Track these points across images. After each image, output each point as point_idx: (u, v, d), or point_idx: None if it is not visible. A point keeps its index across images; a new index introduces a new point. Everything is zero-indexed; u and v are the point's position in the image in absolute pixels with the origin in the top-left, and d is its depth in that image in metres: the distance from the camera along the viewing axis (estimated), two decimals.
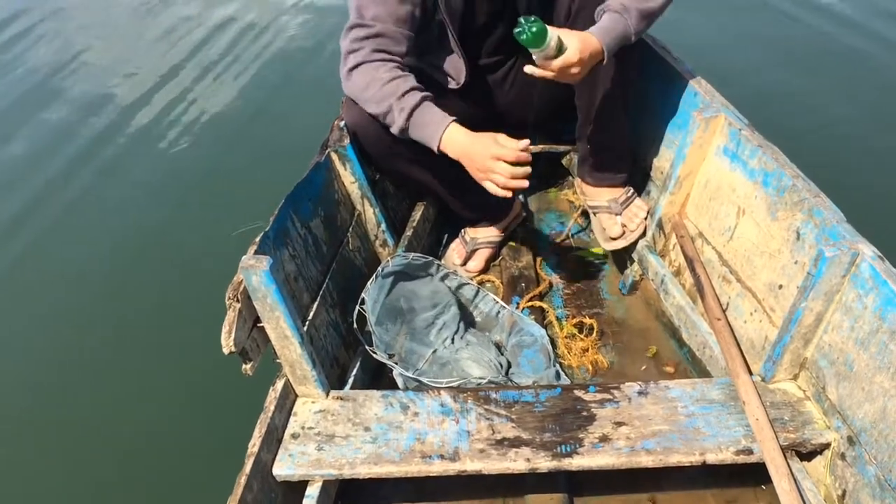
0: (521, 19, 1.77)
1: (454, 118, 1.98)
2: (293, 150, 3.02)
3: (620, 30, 1.95)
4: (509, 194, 1.93)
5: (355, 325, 2.09)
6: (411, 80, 2.03)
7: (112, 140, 4.39)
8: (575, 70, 1.86)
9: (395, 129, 2.03)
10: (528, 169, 1.91)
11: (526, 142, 1.90)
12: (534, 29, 1.76)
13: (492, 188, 1.93)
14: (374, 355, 2.02)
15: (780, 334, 1.78)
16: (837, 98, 4.15)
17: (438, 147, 1.98)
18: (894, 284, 1.53)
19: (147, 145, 4.33)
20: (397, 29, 2.03)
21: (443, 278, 2.27)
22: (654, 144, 2.46)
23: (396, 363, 2.03)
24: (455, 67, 2.24)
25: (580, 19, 2.06)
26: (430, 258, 2.25)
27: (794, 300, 1.73)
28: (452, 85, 2.26)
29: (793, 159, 1.91)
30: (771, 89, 4.20)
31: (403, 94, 1.99)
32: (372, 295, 2.07)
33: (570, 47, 1.83)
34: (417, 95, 2.00)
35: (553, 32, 1.80)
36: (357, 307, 2.08)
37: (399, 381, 2.01)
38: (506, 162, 1.88)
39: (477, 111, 2.30)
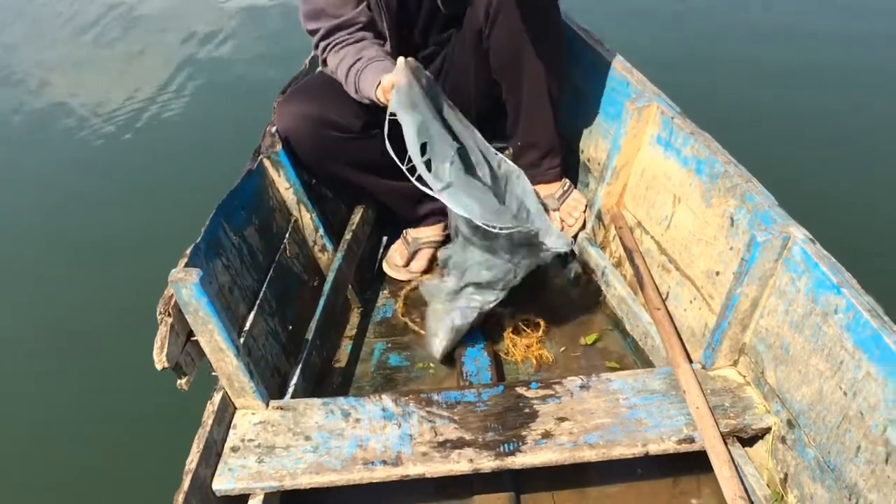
0: None
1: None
2: (224, 156, 2.99)
3: None
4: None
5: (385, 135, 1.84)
6: (351, 56, 2.08)
7: (38, 132, 4.39)
8: None
9: (361, 99, 2.10)
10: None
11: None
12: None
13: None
14: (406, 171, 1.82)
15: (717, 321, 1.79)
16: (771, 81, 4.19)
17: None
18: (825, 267, 1.54)
19: (71, 145, 4.32)
20: (341, 12, 2.08)
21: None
22: (589, 135, 2.46)
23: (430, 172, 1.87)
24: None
25: (497, 23, 2.09)
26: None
27: (730, 286, 1.74)
28: None
29: (724, 145, 1.92)
30: (702, 76, 4.23)
31: (347, 73, 2.08)
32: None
33: None
34: (354, 70, 2.07)
35: None
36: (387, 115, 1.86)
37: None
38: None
39: None
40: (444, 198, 1.80)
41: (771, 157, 2.96)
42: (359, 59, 2.07)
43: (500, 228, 1.78)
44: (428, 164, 1.82)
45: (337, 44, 2.11)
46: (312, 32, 2.13)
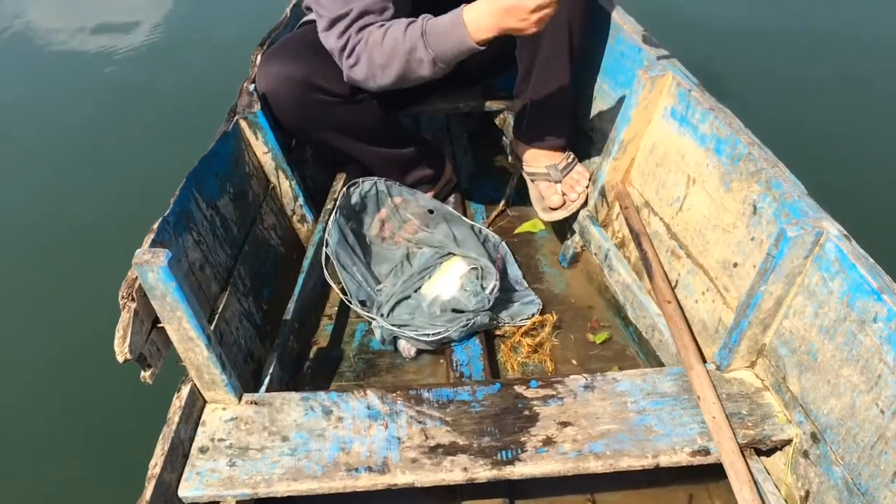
0: None
1: (461, 7, 1.73)
2: (198, 116, 2.76)
3: None
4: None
5: (326, 271, 1.99)
6: (402, 22, 1.78)
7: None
8: None
9: (426, 72, 1.80)
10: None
11: None
12: None
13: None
14: (350, 304, 2.02)
15: (737, 319, 1.63)
16: (799, 61, 3.99)
17: (477, 42, 1.72)
18: (863, 268, 1.38)
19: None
20: None
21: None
22: (596, 105, 2.28)
23: (369, 311, 2.03)
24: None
25: None
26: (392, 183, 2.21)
27: (752, 282, 1.58)
28: None
29: (748, 125, 1.75)
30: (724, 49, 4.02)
31: (405, 34, 1.76)
32: (334, 236, 1.98)
33: None
34: (417, 25, 1.76)
35: None
36: (324, 249, 2.00)
37: (377, 333, 2.04)
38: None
39: None
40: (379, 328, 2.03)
41: (796, 141, 2.75)
42: (410, 23, 1.78)
43: (433, 335, 1.94)
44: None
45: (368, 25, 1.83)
46: (339, 19, 1.82)
